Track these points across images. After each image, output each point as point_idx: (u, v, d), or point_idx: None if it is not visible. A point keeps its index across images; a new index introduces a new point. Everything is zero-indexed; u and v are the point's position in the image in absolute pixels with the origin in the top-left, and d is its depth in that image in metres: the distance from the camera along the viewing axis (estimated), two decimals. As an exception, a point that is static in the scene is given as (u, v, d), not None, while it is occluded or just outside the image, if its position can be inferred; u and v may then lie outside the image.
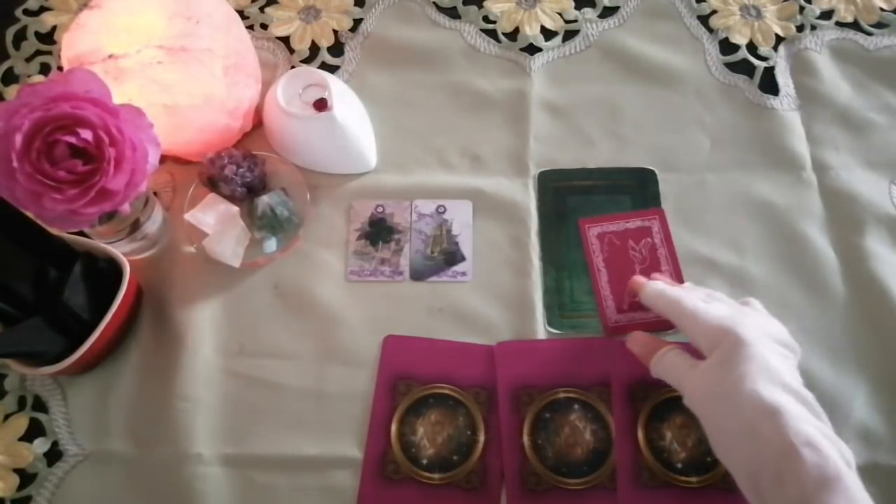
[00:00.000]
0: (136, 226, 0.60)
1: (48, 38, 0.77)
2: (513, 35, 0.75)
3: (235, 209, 0.62)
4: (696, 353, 0.49)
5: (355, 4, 0.78)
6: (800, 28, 0.75)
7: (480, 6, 0.77)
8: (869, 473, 0.45)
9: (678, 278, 0.61)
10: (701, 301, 0.51)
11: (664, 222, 0.64)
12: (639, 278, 0.56)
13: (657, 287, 0.54)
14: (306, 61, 0.75)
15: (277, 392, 0.59)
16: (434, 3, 0.78)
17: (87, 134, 0.50)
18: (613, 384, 0.57)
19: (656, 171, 0.66)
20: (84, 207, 0.51)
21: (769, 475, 0.41)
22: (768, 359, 0.45)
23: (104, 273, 0.58)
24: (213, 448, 0.56)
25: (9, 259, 0.53)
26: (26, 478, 0.56)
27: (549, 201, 0.65)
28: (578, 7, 0.77)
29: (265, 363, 0.60)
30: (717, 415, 0.45)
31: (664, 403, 0.56)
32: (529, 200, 0.66)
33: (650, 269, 0.61)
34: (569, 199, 0.65)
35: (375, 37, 0.76)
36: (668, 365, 0.50)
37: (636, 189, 0.66)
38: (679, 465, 0.54)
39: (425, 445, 0.55)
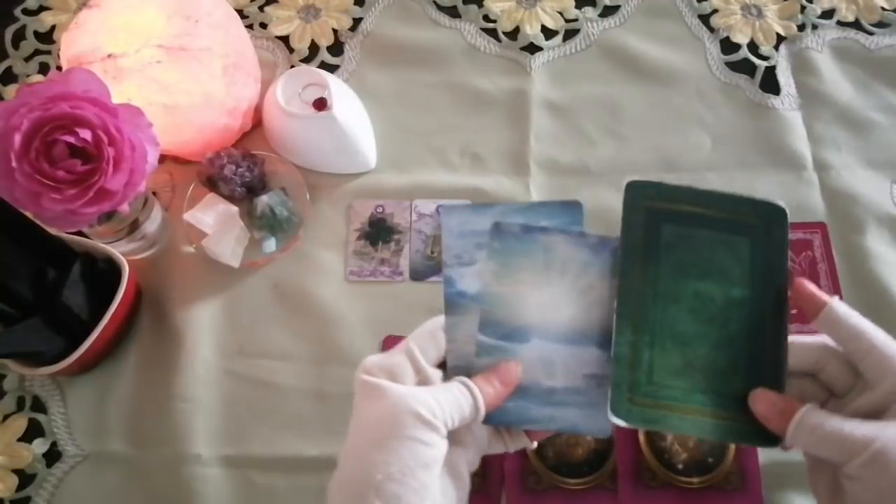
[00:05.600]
0: (135, 226, 0.60)
1: (47, 37, 0.77)
2: (513, 34, 0.75)
3: (235, 209, 0.62)
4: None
5: (355, 3, 0.77)
6: (801, 27, 0.75)
7: (481, 5, 0.77)
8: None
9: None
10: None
11: (826, 237, 0.62)
12: (812, 287, 0.40)
13: (846, 309, 0.38)
14: (306, 61, 0.74)
15: (277, 392, 0.58)
16: (434, 2, 0.77)
17: (85, 134, 0.50)
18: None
19: (786, 209, 0.42)
20: (83, 207, 0.51)
21: None
22: None
23: (103, 273, 0.58)
24: (212, 449, 0.56)
25: (8, 259, 0.53)
26: (25, 478, 0.56)
27: (637, 225, 0.42)
28: (579, 6, 0.76)
29: (264, 363, 0.60)
30: None
31: (665, 404, 0.55)
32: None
33: None
34: (665, 227, 0.42)
35: (375, 36, 0.76)
36: (827, 423, 0.35)
37: (760, 231, 0.43)
38: (680, 466, 0.54)
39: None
